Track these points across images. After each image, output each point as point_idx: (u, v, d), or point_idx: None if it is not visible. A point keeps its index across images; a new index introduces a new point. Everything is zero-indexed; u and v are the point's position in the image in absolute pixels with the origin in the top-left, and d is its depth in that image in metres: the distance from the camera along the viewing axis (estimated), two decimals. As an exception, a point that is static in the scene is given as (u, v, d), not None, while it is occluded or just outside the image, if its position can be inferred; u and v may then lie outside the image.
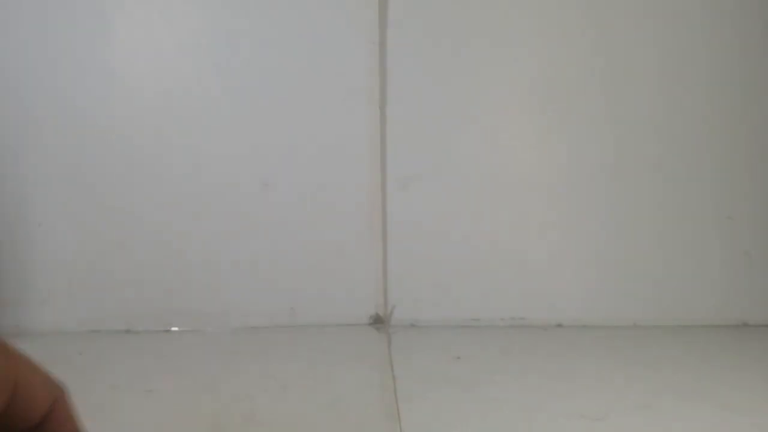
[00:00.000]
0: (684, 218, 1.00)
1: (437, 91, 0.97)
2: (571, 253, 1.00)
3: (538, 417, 0.66)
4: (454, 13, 0.96)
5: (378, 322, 1.02)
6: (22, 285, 0.94)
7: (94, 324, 0.97)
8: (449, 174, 0.99)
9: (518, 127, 0.99)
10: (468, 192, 1.00)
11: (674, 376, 0.78)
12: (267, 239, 0.99)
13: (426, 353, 0.88)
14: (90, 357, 0.87)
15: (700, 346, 0.90)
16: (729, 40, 0.99)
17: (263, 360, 0.87)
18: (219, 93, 0.95)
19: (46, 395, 0.22)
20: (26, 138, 0.93)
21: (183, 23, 0.95)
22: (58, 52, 0.93)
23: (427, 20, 0.96)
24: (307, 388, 0.75)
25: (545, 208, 0.99)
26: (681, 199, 1.00)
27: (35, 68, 0.93)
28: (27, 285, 0.94)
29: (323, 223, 0.99)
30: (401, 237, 1.00)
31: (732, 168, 1.00)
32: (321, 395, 0.72)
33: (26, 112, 0.93)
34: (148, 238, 0.98)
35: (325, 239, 1.00)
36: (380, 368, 0.82)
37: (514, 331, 0.97)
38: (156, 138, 0.95)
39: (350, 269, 1.01)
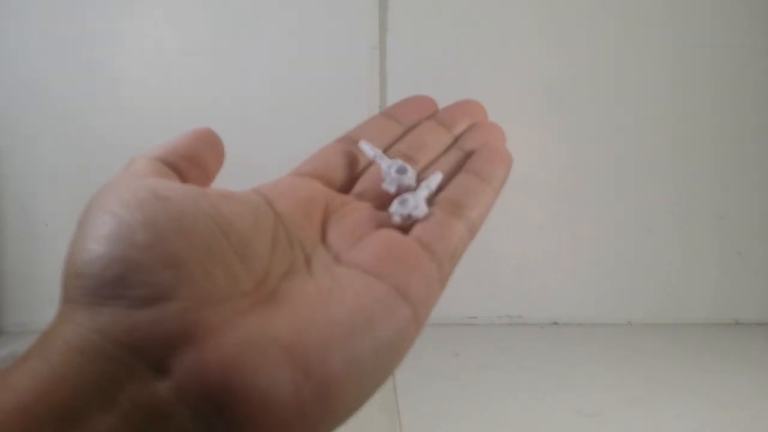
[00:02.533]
0: (676, 218, 1.02)
1: (436, 94, 0.98)
2: (567, 252, 1.01)
3: (535, 413, 0.68)
4: (453, 17, 0.98)
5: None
6: (28, 284, 0.95)
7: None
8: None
9: (516, 128, 1.00)
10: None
11: (668, 372, 0.80)
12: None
13: (425, 350, 0.89)
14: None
15: (693, 344, 0.92)
16: (723, 43, 1.00)
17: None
18: (222, 96, 0.96)
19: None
20: (32, 138, 0.94)
21: (187, 29, 0.96)
22: (64, 55, 0.94)
23: (426, 24, 0.97)
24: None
25: (541, 208, 1.01)
26: (673, 200, 1.01)
27: (42, 70, 0.94)
28: (33, 284, 0.95)
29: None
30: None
31: (723, 169, 1.02)
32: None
33: (33, 113, 0.94)
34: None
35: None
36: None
37: (511, 329, 0.98)
38: (160, 139, 0.96)
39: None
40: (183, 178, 0.23)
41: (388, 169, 0.24)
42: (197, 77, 0.96)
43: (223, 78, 0.96)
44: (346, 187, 0.27)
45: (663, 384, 0.75)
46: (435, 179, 0.25)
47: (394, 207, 0.23)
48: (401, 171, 0.24)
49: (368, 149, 0.26)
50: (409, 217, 0.23)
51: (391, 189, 0.24)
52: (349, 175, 0.26)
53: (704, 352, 0.88)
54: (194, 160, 0.24)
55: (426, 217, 0.23)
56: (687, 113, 1.01)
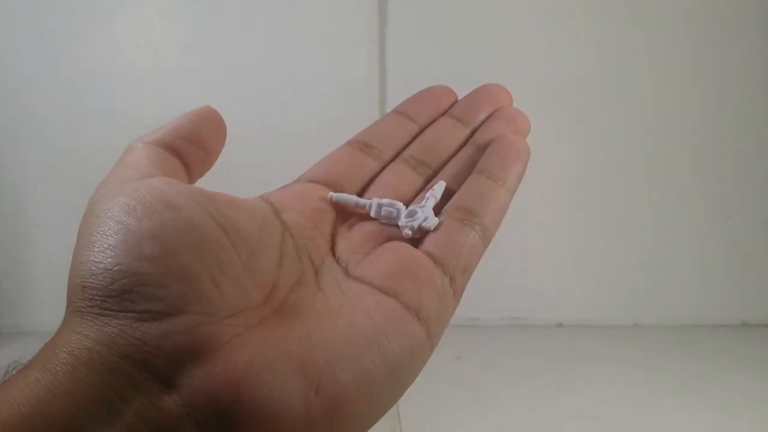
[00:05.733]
0: (684, 218, 1.01)
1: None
2: (572, 253, 1.00)
3: (539, 416, 0.67)
4: (454, 11, 0.97)
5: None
6: (21, 285, 0.94)
7: (94, 324, 0.98)
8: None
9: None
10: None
11: (674, 375, 0.79)
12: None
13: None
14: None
15: (699, 346, 0.91)
16: (728, 41, 0.99)
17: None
18: (218, 94, 0.96)
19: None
20: (26, 138, 0.94)
21: (183, 25, 0.96)
22: (58, 53, 0.93)
23: (426, 20, 0.97)
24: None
25: (545, 207, 1.00)
26: (681, 199, 1.00)
27: (35, 68, 0.93)
28: (27, 285, 0.94)
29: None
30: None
31: (731, 168, 1.01)
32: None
33: (26, 113, 0.94)
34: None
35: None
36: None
37: (514, 331, 0.97)
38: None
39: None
40: (184, 161, 0.23)
41: (377, 213, 0.24)
42: (194, 74, 0.96)
43: (220, 74, 0.96)
44: (357, 195, 0.26)
45: (669, 386, 0.75)
46: (439, 188, 0.25)
47: (403, 220, 0.23)
48: (388, 207, 0.24)
49: (345, 199, 0.24)
50: (419, 229, 0.23)
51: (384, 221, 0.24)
52: (359, 182, 0.26)
53: (711, 353, 0.87)
54: (196, 142, 0.23)
55: (437, 228, 0.23)
56: (694, 111, 1.00)
